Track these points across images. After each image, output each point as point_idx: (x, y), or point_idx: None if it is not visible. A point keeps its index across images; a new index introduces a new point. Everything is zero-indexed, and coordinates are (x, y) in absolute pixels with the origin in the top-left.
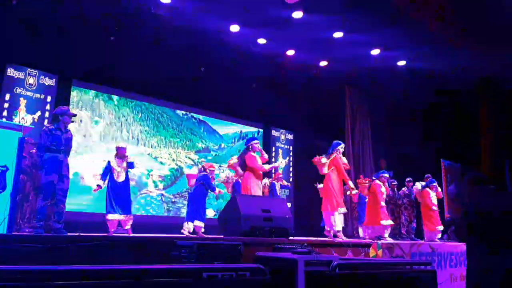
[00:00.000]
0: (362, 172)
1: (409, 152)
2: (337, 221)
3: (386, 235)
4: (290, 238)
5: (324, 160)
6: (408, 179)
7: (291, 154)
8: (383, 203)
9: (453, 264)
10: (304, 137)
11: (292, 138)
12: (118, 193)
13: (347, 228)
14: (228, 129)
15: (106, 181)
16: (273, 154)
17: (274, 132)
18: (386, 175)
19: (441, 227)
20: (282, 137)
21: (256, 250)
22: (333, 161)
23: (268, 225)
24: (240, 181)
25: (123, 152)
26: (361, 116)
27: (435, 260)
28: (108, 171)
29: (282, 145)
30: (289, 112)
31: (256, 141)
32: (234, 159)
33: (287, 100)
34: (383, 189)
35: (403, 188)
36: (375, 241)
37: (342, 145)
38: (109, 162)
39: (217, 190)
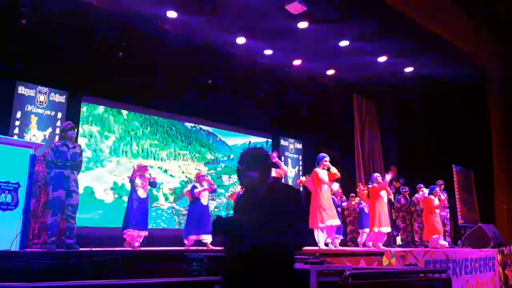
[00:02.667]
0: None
1: (421, 158)
2: (322, 235)
3: (380, 245)
4: (303, 248)
5: (303, 178)
6: (419, 185)
7: (300, 163)
8: (385, 199)
9: (469, 271)
10: (314, 146)
11: (301, 147)
12: (140, 210)
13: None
14: (237, 140)
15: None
16: (282, 163)
17: (282, 142)
18: (377, 174)
19: (436, 236)
20: (291, 146)
21: None
22: (313, 177)
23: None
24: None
25: (145, 170)
26: (370, 124)
27: (450, 268)
28: (131, 188)
29: (291, 155)
30: (298, 122)
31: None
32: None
33: (295, 110)
34: (382, 192)
35: (415, 195)
36: (388, 249)
37: (327, 158)
38: (132, 179)
39: (196, 191)
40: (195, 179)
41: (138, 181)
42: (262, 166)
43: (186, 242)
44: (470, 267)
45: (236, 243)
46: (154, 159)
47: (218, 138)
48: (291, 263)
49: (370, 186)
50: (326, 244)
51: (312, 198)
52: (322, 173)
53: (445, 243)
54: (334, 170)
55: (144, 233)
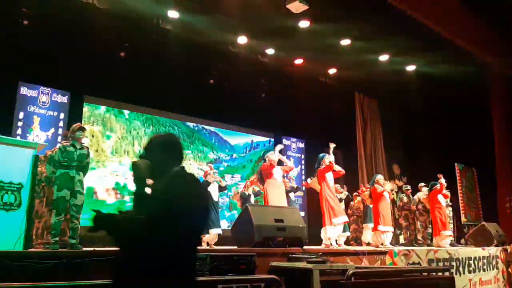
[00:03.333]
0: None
1: (423, 156)
2: (331, 234)
3: (387, 242)
4: (304, 247)
5: (309, 180)
6: (421, 184)
7: (302, 162)
8: (387, 199)
9: (472, 270)
10: (316, 145)
11: (303, 146)
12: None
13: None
14: (239, 139)
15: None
16: (285, 158)
17: (285, 141)
18: (380, 176)
19: (448, 232)
20: (293, 145)
21: (270, 260)
22: (318, 178)
23: (282, 235)
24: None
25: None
26: (372, 122)
27: (453, 266)
28: None
29: (294, 154)
30: (300, 121)
31: (271, 153)
32: (254, 177)
33: (298, 109)
34: (379, 189)
35: (417, 194)
36: (391, 248)
37: (327, 156)
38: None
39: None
40: (204, 177)
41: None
42: (167, 153)
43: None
44: (473, 265)
45: (118, 241)
46: None
47: (220, 138)
48: (187, 269)
49: (371, 187)
50: (331, 243)
51: (320, 198)
52: (325, 173)
53: (449, 239)
54: (337, 167)
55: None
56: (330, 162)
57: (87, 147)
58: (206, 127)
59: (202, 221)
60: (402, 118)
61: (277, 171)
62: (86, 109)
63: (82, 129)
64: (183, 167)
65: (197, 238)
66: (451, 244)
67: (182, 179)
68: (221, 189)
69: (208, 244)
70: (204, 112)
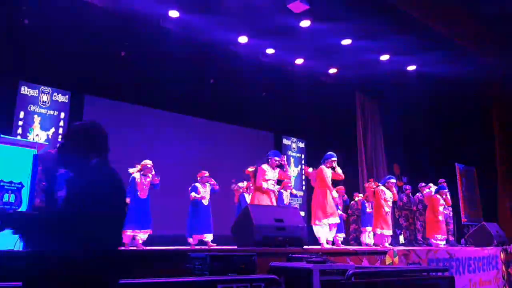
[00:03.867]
0: (376, 178)
1: (424, 156)
2: (321, 233)
3: (386, 244)
4: (305, 247)
5: (310, 170)
6: (421, 184)
7: (303, 162)
8: (387, 209)
9: (472, 270)
10: (316, 145)
11: (303, 146)
12: (139, 209)
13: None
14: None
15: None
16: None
17: (285, 141)
18: (394, 180)
19: (441, 236)
20: (294, 145)
21: (270, 260)
22: (318, 173)
23: (282, 235)
24: (246, 193)
25: (149, 171)
26: (373, 122)
27: (453, 266)
28: (132, 187)
29: (294, 154)
30: (300, 120)
31: (276, 158)
32: (251, 168)
33: (298, 108)
34: (388, 195)
35: (417, 194)
36: (391, 248)
37: (334, 158)
38: (134, 178)
39: (192, 195)
40: (198, 178)
41: (139, 181)
42: (85, 143)
43: (191, 241)
44: (473, 265)
45: (28, 240)
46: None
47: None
48: (99, 269)
49: (379, 186)
50: (328, 243)
51: (313, 195)
52: (327, 171)
53: (441, 242)
54: (339, 170)
55: (145, 233)
56: (334, 161)
57: None
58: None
59: (118, 219)
60: (403, 118)
61: (273, 175)
62: (87, 109)
63: None
64: (105, 159)
65: (114, 237)
66: (451, 244)
67: (98, 173)
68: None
69: (206, 243)
70: (204, 112)
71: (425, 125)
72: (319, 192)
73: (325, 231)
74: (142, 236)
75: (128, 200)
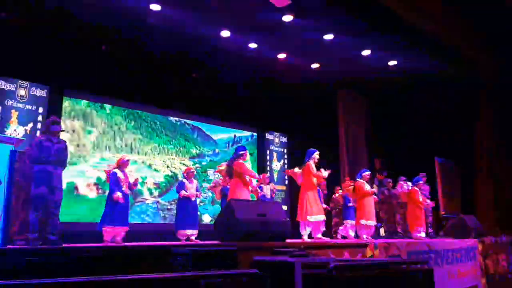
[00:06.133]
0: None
1: (404, 151)
2: (306, 230)
3: (365, 236)
4: (287, 241)
5: (296, 170)
6: (402, 178)
7: (285, 157)
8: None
9: (450, 261)
10: (299, 140)
11: (286, 141)
12: (119, 205)
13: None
14: (222, 134)
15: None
16: (268, 157)
17: (268, 136)
18: (368, 172)
19: (420, 229)
20: (277, 140)
21: (253, 255)
22: (305, 170)
23: (265, 229)
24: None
25: (127, 165)
26: (354, 117)
27: (432, 258)
28: (114, 184)
29: (277, 148)
30: (283, 115)
31: (245, 151)
32: (224, 166)
33: (281, 104)
34: (367, 187)
35: (396, 187)
36: (372, 241)
37: (317, 153)
38: (115, 173)
39: (182, 192)
40: (185, 174)
41: (119, 175)
42: None
43: (179, 236)
44: (451, 257)
45: None
46: (138, 154)
47: (203, 133)
48: None
49: (357, 181)
50: (310, 236)
51: (300, 192)
52: (314, 167)
53: (423, 235)
54: (325, 173)
55: (123, 230)
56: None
57: (65, 141)
58: (188, 122)
59: None
60: (384, 113)
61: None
62: (66, 103)
63: (57, 122)
64: None
65: None
66: (430, 237)
67: None
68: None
69: (189, 239)
70: (186, 107)
71: (406, 120)
72: (307, 188)
73: (307, 230)
74: (121, 232)
75: (120, 196)
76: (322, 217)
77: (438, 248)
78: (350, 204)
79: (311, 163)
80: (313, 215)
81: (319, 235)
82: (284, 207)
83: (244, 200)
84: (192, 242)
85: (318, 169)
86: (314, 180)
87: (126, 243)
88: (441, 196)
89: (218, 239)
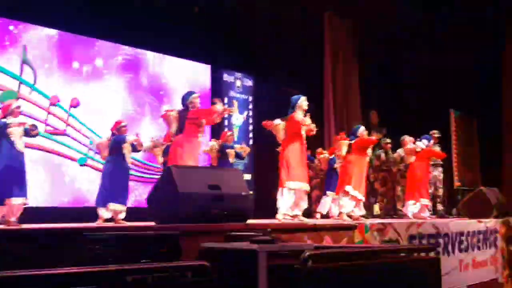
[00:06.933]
0: (346, 126)
1: (410, 101)
2: (285, 199)
3: (355, 213)
4: (248, 222)
5: (278, 121)
6: (405, 137)
7: (250, 106)
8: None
9: (464, 248)
10: (270, 83)
11: (251, 84)
12: (14, 169)
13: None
14: None
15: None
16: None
17: (226, 77)
18: (363, 129)
19: (426, 201)
20: (238, 83)
21: (202, 241)
22: (288, 124)
23: (218, 207)
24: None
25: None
26: (346, 53)
27: (441, 244)
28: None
29: (238, 95)
30: (249, 50)
31: (195, 96)
32: (173, 111)
33: (245, 33)
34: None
35: (398, 150)
36: (361, 221)
37: (303, 99)
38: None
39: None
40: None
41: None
42: None
43: (101, 214)
44: (465, 242)
45: None
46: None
47: None
48: None
49: (354, 140)
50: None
51: (281, 152)
52: (303, 119)
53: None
54: (308, 121)
55: (23, 202)
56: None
57: None
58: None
59: None
60: (386, 50)
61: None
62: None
63: None
64: None
65: None
66: (440, 216)
67: None
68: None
69: (113, 219)
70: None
71: (414, 59)
72: (288, 147)
73: (287, 200)
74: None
75: None
76: (306, 186)
77: (449, 231)
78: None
79: (299, 114)
80: (295, 181)
81: (298, 212)
82: (247, 177)
83: (190, 166)
84: (116, 225)
85: None
86: (303, 134)
87: (24, 225)
88: (456, 162)
89: (153, 220)
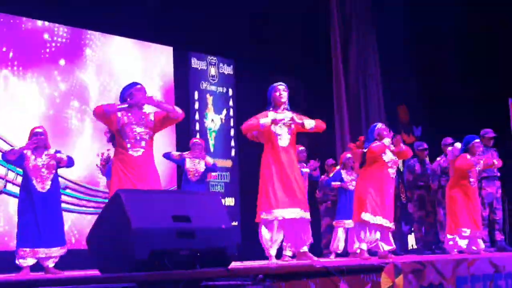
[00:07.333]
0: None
1: (453, 92)
2: (266, 235)
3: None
4: (232, 266)
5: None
6: (447, 140)
7: (230, 103)
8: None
9: None
10: (254, 71)
11: (232, 72)
12: None
13: None
14: None
15: None
16: (196, 104)
17: (195, 62)
18: (382, 127)
19: (467, 230)
20: (213, 71)
21: None
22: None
23: (187, 246)
24: None
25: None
26: (360, 29)
27: (501, 287)
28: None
29: (213, 88)
30: (227, 27)
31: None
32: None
33: (222, 4)
34: (388, 156)
35: (438, 159)
36: (390, 260)
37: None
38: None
39: None
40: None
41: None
42: None
43: (22, 262)
44: None
45: None
46: None
47: None
48: None
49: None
50: (280, 255)
51: (261, 165)
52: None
53: (463, 244)
54: (309, 122)
55: None
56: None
57: None
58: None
59: None
60: (416, 24)
61: None
62: None
63: None
64: None
65: None
66: (500, 249)
67: None
68: None
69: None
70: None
71: (459, 34)
72: (268, 159)
73: (273, 234)
74: None
75: None
76: (296, 213)
77: None
78: (352, 188)
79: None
80: (277, 209)
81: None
82: (229, 201)
83: (148, 190)
84: (45, 276)
85: None
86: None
87: None
88: None
89: (95, 266)
